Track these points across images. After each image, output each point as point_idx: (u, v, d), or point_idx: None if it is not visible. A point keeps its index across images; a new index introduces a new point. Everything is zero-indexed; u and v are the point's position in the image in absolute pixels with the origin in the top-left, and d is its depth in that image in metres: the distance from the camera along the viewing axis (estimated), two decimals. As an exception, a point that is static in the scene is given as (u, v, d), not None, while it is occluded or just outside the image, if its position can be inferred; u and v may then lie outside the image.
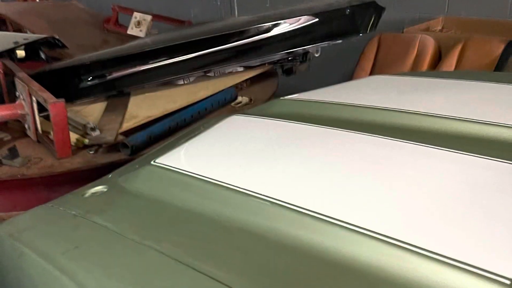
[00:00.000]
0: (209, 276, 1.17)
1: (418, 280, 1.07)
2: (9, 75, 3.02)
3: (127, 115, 2.95)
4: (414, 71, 4.25)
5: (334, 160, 1.66)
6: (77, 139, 2.64)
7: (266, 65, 3.79)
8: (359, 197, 1.41)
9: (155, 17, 4.66)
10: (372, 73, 4.56)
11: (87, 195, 1.73)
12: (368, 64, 4.62)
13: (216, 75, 3.60)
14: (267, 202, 1.41)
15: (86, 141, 2.63)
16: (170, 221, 1.49)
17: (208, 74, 3.58)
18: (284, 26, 3.42)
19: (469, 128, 1.78)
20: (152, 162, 1.78)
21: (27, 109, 2.67)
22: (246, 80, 3.68)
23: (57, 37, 3.61)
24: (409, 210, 1.32)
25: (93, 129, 2.70)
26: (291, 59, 3.79)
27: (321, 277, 1.15)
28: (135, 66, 3.20)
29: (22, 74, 2.83)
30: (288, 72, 3.93)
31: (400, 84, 2.53)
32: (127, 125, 2.82)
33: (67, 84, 3.14)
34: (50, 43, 3.61)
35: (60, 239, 1.47)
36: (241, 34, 3.37)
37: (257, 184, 1.52)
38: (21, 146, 2.64)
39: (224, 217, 1.43)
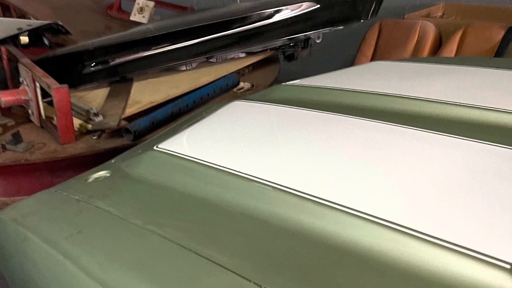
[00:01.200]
0: (211, 260, 1.18)
1: (419, 264, 1.09)
2: (13, 61, 3.03)
3: (130, 101, 2.96)
4: (415, 57, 4.25)
5: (335, 145, 1.67)
6: (80, 125, 2.65)
7: (268, 51, 3.79)
8: (360, 182, 1.42)
9: (158, 3, 4.65)
10: (373, 59, 4.56)
11: (90, 180, 1.75)
12: (369, 50, 4.62)
13: (218, 61, 3.60)
14: (268, 187, 1.42)
15: (89, 126, 2.64)
16: (172, 206, 1.50)
17: (210, 60, 3.58)
18: (286, 12, 3.42)
19: (469, 113, 1.79)
20: (154, 148, 1.79)
21: (30, 95, 2.68)
22: (248, 66, 3.69)
23: (60, 23, 3.60)
24: (410, 195, 1.33)
25: (96, 114, 2.70)
26: (292, 45, 3.79)
27: (322, 261, 1.16)
28: (138, 52, 3.20)
29: (25, 60, 2.84)
30: (290, 58, 3.93)
31: (401, 70, 2.53)
32: (130, 110, 2.84)
33: (70, 70, 3.15)
34: (54, 29, 3.61)
35: (64, 223, 1.48)
36: (243, 20, 3.37)
37: (259, 169, 1.53)
38: (25, 132, 2.65)
39: (226, 202, 1.44)
